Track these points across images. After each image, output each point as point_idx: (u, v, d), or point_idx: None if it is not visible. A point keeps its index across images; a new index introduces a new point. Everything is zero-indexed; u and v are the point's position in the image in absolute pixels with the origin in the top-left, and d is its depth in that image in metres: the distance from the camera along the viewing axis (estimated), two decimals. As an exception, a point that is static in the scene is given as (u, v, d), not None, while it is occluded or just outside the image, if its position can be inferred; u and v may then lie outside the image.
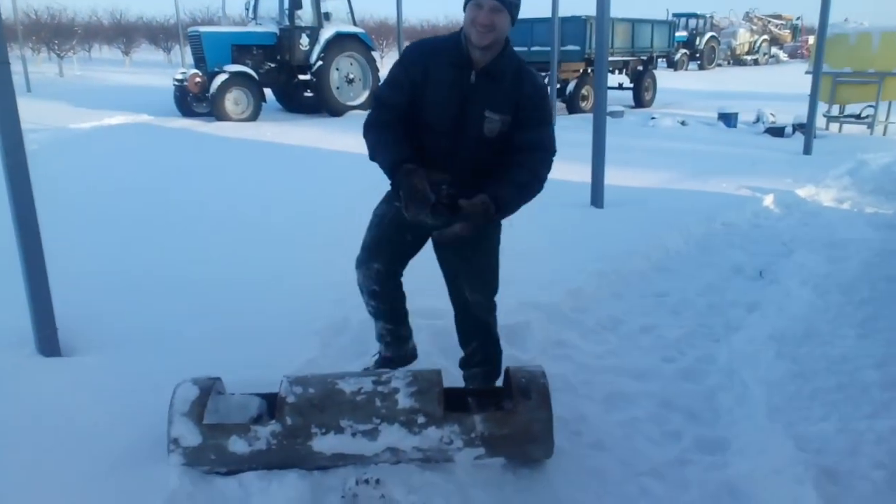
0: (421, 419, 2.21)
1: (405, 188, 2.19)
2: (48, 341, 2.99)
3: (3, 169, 2.86)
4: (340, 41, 13.55)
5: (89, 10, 36.22)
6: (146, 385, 2.64)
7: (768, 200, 6.19)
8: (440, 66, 2.32)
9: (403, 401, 2.22)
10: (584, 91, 14.39)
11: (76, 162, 8.22)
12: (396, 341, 2.77)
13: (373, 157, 2.37)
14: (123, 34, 35.54)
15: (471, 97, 2.32)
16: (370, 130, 2.40)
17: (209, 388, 2.28)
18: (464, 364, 2.82)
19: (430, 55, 2.35)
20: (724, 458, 2.47)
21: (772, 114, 11.68)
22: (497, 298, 3.60)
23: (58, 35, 29.15)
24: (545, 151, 2.40)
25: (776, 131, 10.71)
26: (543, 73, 13.89)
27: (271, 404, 2.30)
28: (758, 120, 11.67)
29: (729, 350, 3.31)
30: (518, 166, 2.36)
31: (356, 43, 13.91)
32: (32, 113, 10.67)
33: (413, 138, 2.37)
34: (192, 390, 2.25)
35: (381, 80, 2.42)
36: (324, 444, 2.19)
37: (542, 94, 2.41)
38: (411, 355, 2.85)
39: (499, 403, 2.43)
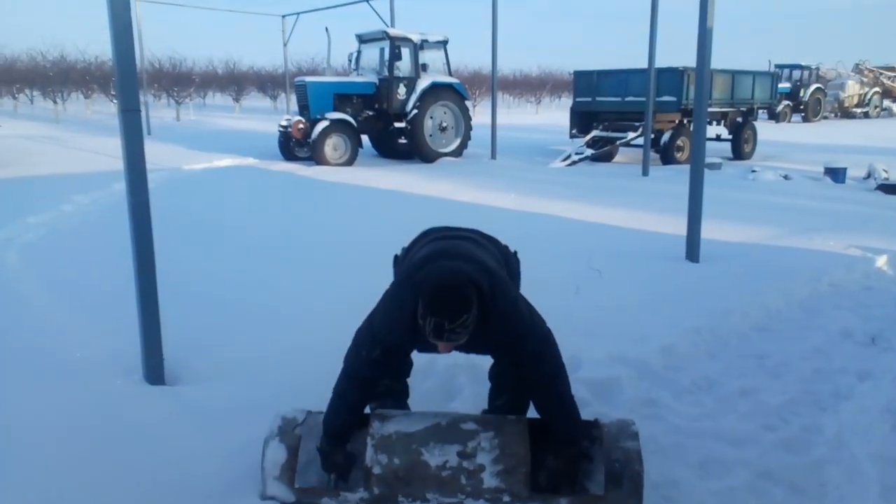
0: (506, 498, 2.20)
1: (327, 465, 2.33)
2: (155, 370, 3.17)
3: (127, 206, 3.11)
4: (436, 91, 13.97)
5: (206, 60, 38.91)
6: (245, 416, 2.75)
7: (881, 262, 5.79)
8: (420, 336, 2.18)
9: (489, 480, 2.20)
10: (679, 142, 14.11)
11: (188, 200, 8.80)
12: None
13: (329, 410, 2.37)
14: (235, 82, 38.01)
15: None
16: (341, 384, 2.37)
17: (297, 446, 2.35)
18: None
19: (410, 328, 2.20)
20: (832, 540, 2.29)
21: (884, 169, 11.00)
22: (585, 351, 3.54)
23: (177, 83, 31.56)
24: (553, 364, 2.33)
25: (890, 188, 10.06)
26: (637, 123, 13.80)
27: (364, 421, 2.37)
28: (869, 176, 11.03)
29: (838, 420, 3.08)
30: (545, 396, 2.36)
31: (451, 92, 14.29)
32: (152, 154, 11.48)
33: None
34: (280, 452, 2.33)
35: (371, 321, 2.35)
36: None
37: (509, 332, 2.26)
38: None
39: (586, 452, 2.37)
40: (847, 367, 3.70)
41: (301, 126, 13.37)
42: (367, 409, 2.50)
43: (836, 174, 11.12)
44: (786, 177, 11.41)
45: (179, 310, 3.82)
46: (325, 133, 12.92)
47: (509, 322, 2.24)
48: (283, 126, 13.96)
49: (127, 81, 3.05)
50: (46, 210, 7.76)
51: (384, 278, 2.49)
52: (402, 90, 13.86)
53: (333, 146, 13.12)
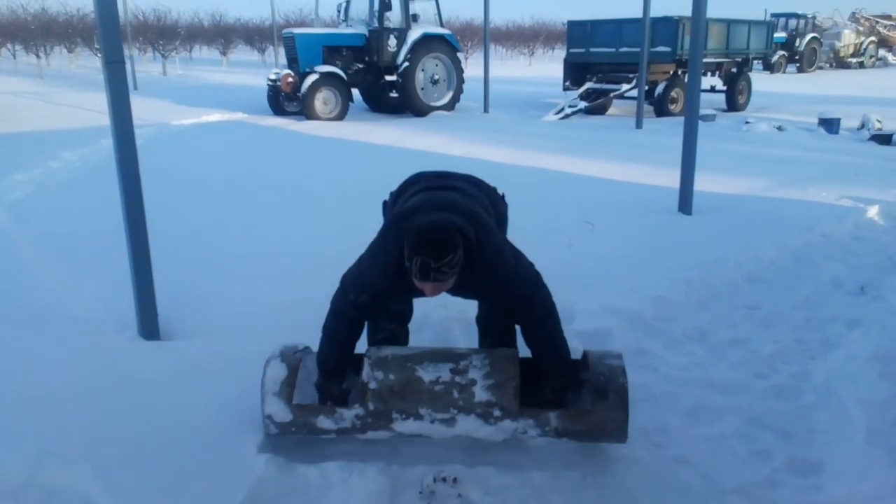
0: (497, 412, 2.29)
1: (323, 398, 2.47)
2: (149, 325, 3.18)
3: (115, 162, 3.06)
4: (427, 42, 13.70)
5: (192, 13, 37.98)
6: (240, 369, 2.76)
7: (873, 212, 5.82)
8: (406, 281, 2.19)
9: (480, 394, 2.29)
10: (673, 94, 13.97)
11: (177, 156, 8.69)
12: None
13: (320, 348, 2.47)
14: (222, 35, 37.15)
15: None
16: (329, 323, 2.43)
17: (297, 366, 2.45)
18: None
19: (395, 274, 2.23)
20: (819, 482, 2.35)
21: (878, 120, 10.95)
22: (578, 303, 3.57)
23: (162, 36, 30.82)
24: (543, 309, 2.37)
25: (883, 139, 10.04)
26: (632, 75, 13.61)
27: (358, 364, 2.43)
28: (863, 126, 10.98)
29: (826, 368, 3.14)
30: (536, 337, 2.40)
31: (442, 44, 14.03)
32: (138, 110, 11.26)
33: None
34: (280, 369, 2.41)
35: (359, 265, 2.37)
36: (404, 427, 2.32)
37: (497, 276, 2.27)
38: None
39: (576, 378, 2.49)
40: (837, 315, 3.75)
41: (290, 80, 13.13)
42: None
43: (830, 125, 11.08)
44: (780, 128, 11.35)
45: (172, 265, 3.81)
46: (314, 87, 12.70)
47: (496, 269, 2.26)
48: (271, 80, 13.70)
49: (110, 33, 2.97)
50: (34, 167, 7.65)
51: (374, 227, 2.48)
52: (392, 42, 13.59)
53: (324, 100, 12.92)
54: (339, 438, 2.39)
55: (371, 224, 2.59)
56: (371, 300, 2.35)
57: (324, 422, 2.34)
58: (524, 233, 2.89)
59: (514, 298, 2.33)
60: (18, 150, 8.93)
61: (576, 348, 3.20)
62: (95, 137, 9.39)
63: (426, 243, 2.08)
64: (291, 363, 2.44)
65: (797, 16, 30.51)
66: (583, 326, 3.40)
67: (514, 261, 2.32)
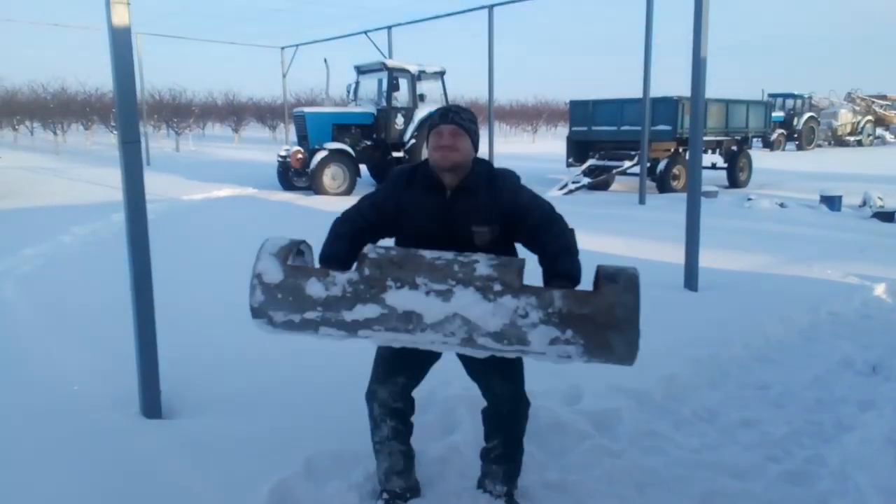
0: (497, 287, 2.13)
1: None
2: (152, 404, 3.14)
3: (126, 237, 3.11)
4: (433, 120, 14.09)
5: (206, 92, 39.31)
6: (245, 451, 2.71)
7: (880, 290, 5.80)
8: (415, 194, 2.40)
9: (482, 269, 2.17)
10: (675, 170, 14.21)
11: (186, 230, 8.80)
12: (408, 465, 2.58)
13: (324, 244, 2.51)
14: (235, 113, 38.34)
15: (452, 216, 2.37)
16: (335, 221, 2.58)
17: (298, 245, 2.43)
18: (484, 456, 2.62)
19: (405, 186, 2.43)
20: (840, 575, 2.25)
21: (879, 197, 11.07)
22: (585, 381, 3.52)
23: (177, 114, 31.85)
24: (562, 225, 2.45)
25: (886, 216, 10.12)
26: (633, 152, 13.91)
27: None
28: (864, 203, 11.09)
29: (841, 452, 3.05)
30: (557, 247, 2.40)
31: (448, 122, 14.42)
32: (151, 185, 11.55)
33: None
34: (283, 240, 2.39)
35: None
36: (397, 298, 2.15)
37: (520, 193, 2.43)
38: (417, 484, 2.64)
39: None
40: (849, 396, 3.68)
41: (300, 156, 13.45)
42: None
43: (832, 202, 11.19)
44: (782, 205, 11.47)
45: (176, 340, 3.79)
46: (323, 163, 13.00)
47: (516, 187, 2.43)
48: (281, 156, 14.04)
49: (127, 113, 3.08)
50: (44, 241, 7.75)
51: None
52: (399, 120, 14.00)
53: (332, 176, 13.20)
54: (320, 326, 2.23)
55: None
56: (372, 208, 2.47)
57: (314, 286, 2.21)
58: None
59: (535, 219, 2.38)
60: (31, 225, 9.08)
61: (583, 430, 3.17)
62: (107, 212, 9.55)
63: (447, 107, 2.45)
64: (295, 241, 2.42)
65: (794, 96, 31.38)
66: (591, 406, 3.35)
67: (531, 192, 2.46)
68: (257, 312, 2.29)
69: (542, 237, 2.39)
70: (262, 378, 3.68)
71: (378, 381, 2.47)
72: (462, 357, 2.43)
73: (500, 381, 2.46)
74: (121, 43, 2.87)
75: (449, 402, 3.29)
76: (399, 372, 2.45)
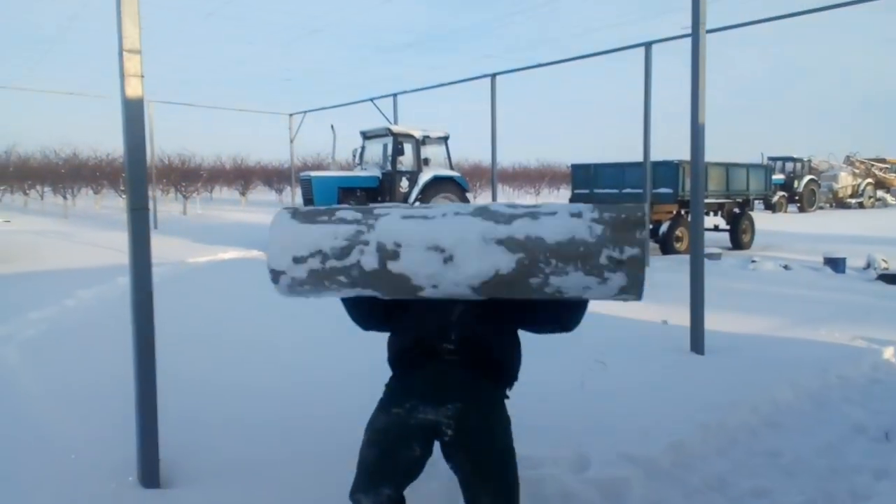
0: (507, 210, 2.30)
1: None
2: (150, 472, 3.08)
3: (131, 303, 3.12)
4: (437, 184, 14.32)
5: (215, 157, 40.15)
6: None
7: (888, 353, 5.73)
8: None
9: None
10: (678, 232, 14.30)
11: (191, 295, 8.82)
12: None
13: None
14: (242, 177, 39.02)
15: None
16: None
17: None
18: None
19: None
20: None
21: (884, 259, 11.08)
22: (593, 449, 3.46)
23: (185, 178, 32.41)
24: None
25: (890, 278, 10.09)
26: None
27: None
28: (868, 266, 11.08)
29: (857, 523, 2.96)
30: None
31: (452, 185, 14.66)
32: (157, 248, 11.66)
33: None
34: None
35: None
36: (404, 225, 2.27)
37: None
38: None
39: None
40: (862, 464, 3.59)
41: (305, 220, 13.60)
42: None
43: (836, 264, 11.18)
44: (786, 267, 11.47)
45: (176, 407, 3.75)
46: (328, 226, 13.13)
47: None
48: (287, 220, 14.20)
49: (137, 181, 3.14)
50: (49, 305, 7.77)
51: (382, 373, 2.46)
52: (404, 183, 14.22)
53: (336, 239, 13.30)
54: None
55: (380, 369, 2.57)
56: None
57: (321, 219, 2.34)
58: (535, 374, 2.86)
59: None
60: (37, 288, 9.11)
61: (591, 499, 3.09)
62: (113, 275, 9.60)
63: None
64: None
65: (793, 159, 31.82)
66: (599, 475, 3.27)
67: None
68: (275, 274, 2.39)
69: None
70: (263, 445, 3.62)
71: (360, 490, 2.22)
72: (452, 466, 2.30)
73: (493, 497, 2.22)
74: (133, 115, 2.96)
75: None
76: (383, 482, 2.21)
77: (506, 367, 2.46)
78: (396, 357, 2.48)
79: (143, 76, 2.94)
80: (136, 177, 3.12)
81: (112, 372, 4.31)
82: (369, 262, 2.24)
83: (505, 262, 2.14)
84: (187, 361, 5.32)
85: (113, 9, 2.98)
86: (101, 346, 5.74)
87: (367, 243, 2.25)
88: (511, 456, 2.29)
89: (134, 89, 2.93)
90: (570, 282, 2.14)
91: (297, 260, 2.32)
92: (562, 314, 2.44)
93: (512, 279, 2.15)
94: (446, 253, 2.17)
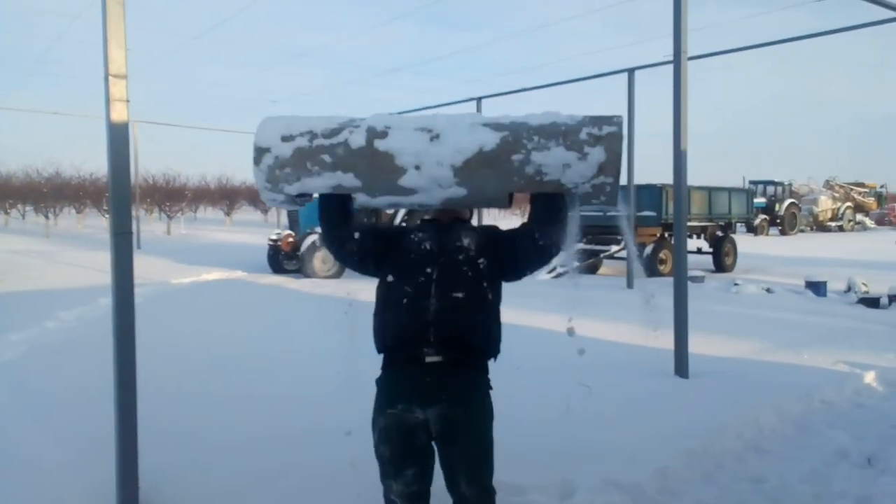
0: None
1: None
2: (130, 501, 3.02)
3: (112, 328, 3.08)
4: (423, 206, 14.35)
5: (200, 176, 39.99)
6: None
7: (870, 377, 5.79)
8: (406, 234, 2.51)
9: None
10: (662, 255, 14.40)
11: (172, 316, 8.73)
12: None
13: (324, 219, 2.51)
14: (227, 197, 38.86)
15: (445, 233, 2.47)
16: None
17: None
18: None
19: (397, 232, 2.56)
20: None
21: (864, 283, 11.20)
22: (579, 476, 3.45)
23: (170, 198, 32.23)
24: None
25: (871, 302, 10.20)
26: (620, 237, 14.12)
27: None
28: (849, 289, 11.21)
29: (842, 551, 2.96)
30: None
31: (438, 207, 14.68)
32: (140, 269, 11.57)
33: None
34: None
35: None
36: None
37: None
38: None
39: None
40: (846, 491, 3.60)
41: (291, 240, 13.58)
42: None
43: (817, 288, 11.30)
44: (768, 290, 11.57)
45: (159, 427, 3.70)
46: (313, 247, 13.11)
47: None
48: (272, 240, 14.18)
49: (121, 204, 3.11)
50: (29, 327, 7.65)
51: (367, 407, 2.44)
52: (390, 206, 14.24)
53: (322, 259, 13.28)
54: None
55: (364, 402, 2.55)
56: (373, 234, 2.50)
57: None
58: (519, 398, 2.86)
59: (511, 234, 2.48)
60: (17, 310, 8.98)
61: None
62: (94, 296, 9.49)
63: None
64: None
65: (774, 183, 32.32)
66: (585, 502, 3.25)
67: None
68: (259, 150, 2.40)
69: (520, 240, 2.46)
70: (244, 472, 3.56)
71: (389, 477, 2.44)
72: (440, 454, 2.43)
73: (468, 484, 2.41)
74: (118, 139, 2.95)
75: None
76: (405, 465, 2.41)
77: (488, 350, 2.49)
78: (382, 351, 2.50)
79: (128, 101, 2.93)
80: (120, 200, 3.09)
81: (92, 395, 4.24)
82: (357, 139, 2.32)
83: (490, 138, 2.26)
84: (170, 382, 5.26)
85: (99, 32, 2.98)
86: (81, 369, 5.65)
87: (358, 126, 2.35)
88: (490, 444, 2.44)
89: (119, 114, 2.92)
90: (551, 158, 2.23)
91: (286, 138, 2.37)
92: (538, 226, 2.40)
93: (495, 156, 2.25)
94: (433, 132, 2.29)
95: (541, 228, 2.37)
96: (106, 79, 2.92)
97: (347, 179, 2.34)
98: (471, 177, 2.27)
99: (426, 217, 2.61)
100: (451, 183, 2.28)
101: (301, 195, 2.47)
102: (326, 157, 2.32)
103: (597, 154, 2.22)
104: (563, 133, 2.24)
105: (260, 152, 2.38)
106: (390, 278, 2.45)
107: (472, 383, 2.43)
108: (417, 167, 2.26)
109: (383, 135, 2.31)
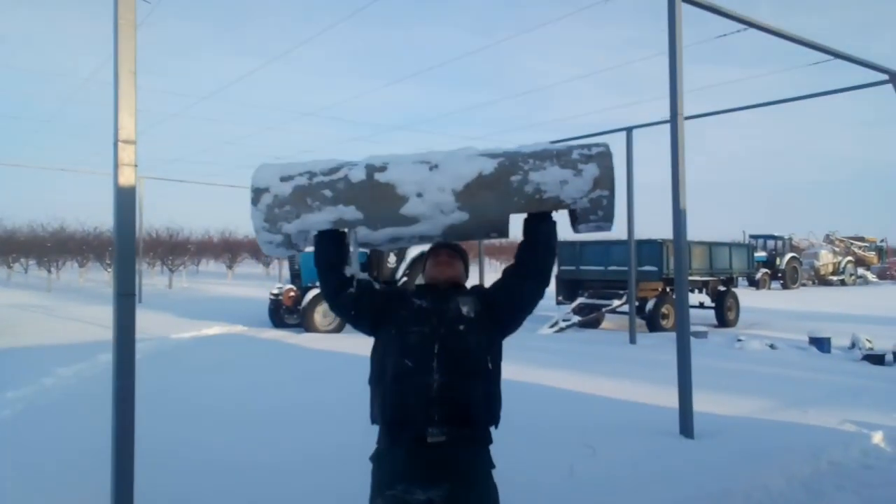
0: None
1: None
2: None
3: (112, 389, 3.07)
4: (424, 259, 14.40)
5: (203, 230, 40.28)
6: None
7: (877, 438, 5.69)
8: (412, 295, 2.50)
9: None
10: (664, 309, 14.37)
11: (172, 373, 8.66)
12: None
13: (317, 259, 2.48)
14: (229, 250, 39.03)
15: (442, 298, 2.45)
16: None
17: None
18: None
19: (395, 295, 2.55)
20: None
21: (868, 339, 11.13)
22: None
23: (173, 251, 32.38)
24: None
25: (875, 358, 10.12)
26: (622, 291, 14.12)
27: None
28: (853, 345, 11.13)
29: None
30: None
31: (440, 262, 14.73)
32: (141, 323, 11.52)
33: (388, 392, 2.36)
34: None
35: None
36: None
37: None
38: None
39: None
40: (859, 557, 3.51)
41: (292, 294, 13.59)
42: None
43: (821, 344, 11.22)
44: (772, 346, 11.49)
45: (156, 489, 3.63)
46: (315, 301, 13.10)
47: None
48: (274, 294, 14.19)
49: (125, 266, 3.15)
50: (27, 384, 7.59)
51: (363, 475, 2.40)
52: (391, 259, 14.29)
53: (323, 313, 13.25)
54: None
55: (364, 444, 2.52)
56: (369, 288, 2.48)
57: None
58: (521, 460, 2.81)
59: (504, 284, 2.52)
60: (15, 366, 8.92)
61: None
62: (93, 352, 9.44)
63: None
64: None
65: (774, 237, 32.48)
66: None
67: None
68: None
69: (514, 276, 2.50)
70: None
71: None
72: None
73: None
74: (125, 203, 3.00)
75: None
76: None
77: (490, 421, 2.43)
78: (380, 426, 2.41)
79: (136, 165, 2.99)
80: (125, 262, 3.13)
81: (88, 455, 4.18)
82: (357, 174, 2.37)
83: (487, 164, 2.37)
84: (169, 441, 5.18)
85: (108, 93, 3.06)
86: (78, 428, 5.58)
87: (356, 164, 2.42)
88: None
89: (127, 178, 2.98)
90: (548, 176, 2.36)
91: (285, 178, 2.39)
92: (529, 249, 2.48)
93: (494, 178, 2.35)
94: (432, 163, 2.38)
95: (532, 252, 2.46)
96: (115, 144, 2.99)
97: (349, 213, 2.36)
98: (472, 200, 2.34)
99: (421, 283, 2.63)
100: (454, 207, 2.34)
101: (299, 236, 2.45)
102: (327, 192, 2.35)
103: (591, 169, 2.37)
104: (556, 155, 2.40)
105: (258, 192, 2.39)
106: (388, 347, 2.39)
107: (477, 462, 2.37)
108: (419, 195, 2.33)
109: (382, 169, 2.39)
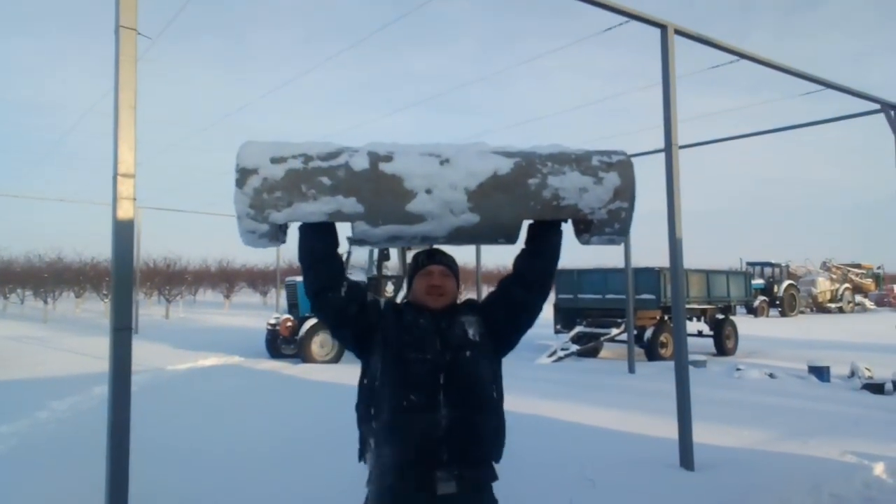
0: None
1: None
2: None
3: (107, 424, 3.04)
4: (422, 288, 14.38)
5: (201, 260, 40.26)
6: None
7: (879, 469, 5.64)
8: (404, 312, 2.29)
9: None
10: (662, 338, 14.33)
11: (167, 407, 8.57)
12: None
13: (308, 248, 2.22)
14: (227, 279, 38.97)
15: (443, 329, 2.23)
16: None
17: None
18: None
19: (389, 308, 2.32)
20: None
21: (867, 368, 11.08)
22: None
23: (170, 281, 32.31)
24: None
25: (875, 388, 10.06)
26: (620, 319, 14.09)
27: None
28: (853, 374, 11.08)
29: None
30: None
31: (437, 290, 14.71)
32: (137, 355, 11.42)
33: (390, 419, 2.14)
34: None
35: None
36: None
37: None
38: None
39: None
40: None
41: (289, 324, 13.54)
42: None
43: (820, 373, 11.16)
44: (771, 375, 11.44)
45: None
46: (312, 330, 13.05)
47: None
48: (271, 324, 14.14)
49: (122, 300, 3.14)
50: (20, 418, 7.50)
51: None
52: (390, 287, 14.27)
53: (320, 343, 13.19)
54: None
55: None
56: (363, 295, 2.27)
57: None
58: (521, 493, 2.78)
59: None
60: (8, 399, 8.83)
61: None
62: (88, 384, 9.36)
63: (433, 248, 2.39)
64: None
65: (771, 265, 32.54)
66: None
67: None
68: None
69: (512, 286, 2.36)
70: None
71: None
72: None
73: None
74: (123, 236, 3.01)
75: None
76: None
77: (497, 457, 2.25)
78: (377, 469, 2.17)
79: (135, 199, 3.01)
80: (122, 296, 3.13)
81: (81, 492, 4.13)
82: (359, 162, 2.09)
83: (503, 163, 2.18)
84: (164, 480, 5.11)
85: (108, 124, 3.09)
86: (71, 464, 5.51)
87: (357, 151, 2.15)
88: None
89: (125, 211, 2.99)
90: (567, 182, 2.19)
91: (276, 160, 2.08)
92: (541, 251, 2.33)
93: (510, 179, 2.16)
94: (443, 157, 2.15)
95: (539, 261, 2.32)
96: (114, 178, 3.01)
97: (348, 205, 2.06)
98: (485, 201, 2.12)
99: (415, 302, 2.35)
100: (465, 208, 2.11)
101: (285, 228, 2.19)
102: (325, 180, 2.06)
103: (612, 178, 2.23)
104: (576, 160, 2.24)
105: (244, 174, 2.06)
106: (384, 376, 2.14)
107: None
108: (429, 191, 2.07)
109: (388, 158, 2.12)
